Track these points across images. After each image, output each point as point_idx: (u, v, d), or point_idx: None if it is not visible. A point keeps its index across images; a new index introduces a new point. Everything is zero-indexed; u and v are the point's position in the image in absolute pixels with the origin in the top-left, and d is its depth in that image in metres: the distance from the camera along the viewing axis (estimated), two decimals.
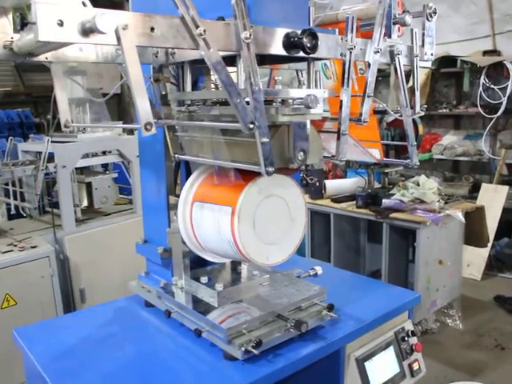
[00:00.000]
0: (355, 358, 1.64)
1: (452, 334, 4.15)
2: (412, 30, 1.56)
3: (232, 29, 1.17)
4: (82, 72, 3.72)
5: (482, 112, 5.67)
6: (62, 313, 3.08)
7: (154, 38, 1.07)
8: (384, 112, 3.72)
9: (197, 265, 1.77)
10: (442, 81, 6.54)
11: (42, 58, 1.41)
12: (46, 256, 3.02)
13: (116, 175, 4.05)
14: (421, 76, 5.70)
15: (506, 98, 5.44)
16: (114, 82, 6.83)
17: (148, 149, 1.86)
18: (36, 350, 1.58)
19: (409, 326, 1.85)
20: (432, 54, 1.65)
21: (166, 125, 1.62)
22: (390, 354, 1.76)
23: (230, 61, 1.25)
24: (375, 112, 1.98)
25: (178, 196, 1.62)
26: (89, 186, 3.80)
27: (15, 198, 3.53)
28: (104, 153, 3.74)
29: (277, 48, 1.27)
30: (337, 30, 1.54)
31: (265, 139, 1.22)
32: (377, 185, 4.42)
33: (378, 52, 1.47)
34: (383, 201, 3.99)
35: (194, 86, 1.65)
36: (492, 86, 5.53)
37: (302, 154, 1.38)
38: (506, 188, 5.50)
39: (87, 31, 0.98)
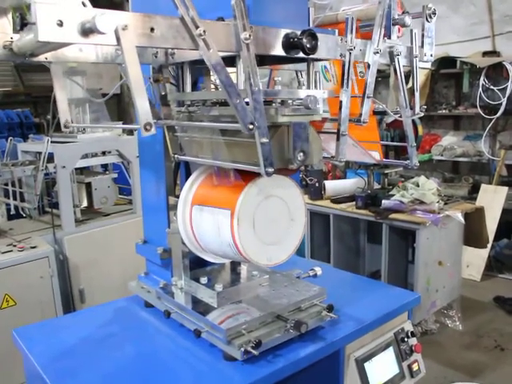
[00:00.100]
0: (355, 358, 1.64)
1: (452, 334, 4.15)
2: (411, 30, 1.56)
3: (232, 29, 1.17)
4: (82, 72, 3.71)
5: (481, 113, 5.66)
6: (61, 313, 3.08)
7: (154, 38, 1.07)
8: (383, 113, 3.70)
9: (196, 265, 1.77)
10: (441, 82, 6.54)
11: (41, 58, 1.41)
12: (46, 256, 3.02)
13: (116, 175, 4.05)
14: (420, 77, 5.70)
15: (505, 98, 5.43)
16: (114, 82, 6.84)
17: (148, 149, 1.86)
18: (36, 351, 1.58)
19: (408, 327, 1.85)
20: (431, 55, 1.65)
21: (166, 125, 1.62)
22: (389, 354, 1.76)
23: (230, 61, 1.25)
24: (375, 113, 1.98)
25: (178, 196, 1.62)
26: (88, 186, 3.80)
27: (15, 199, 3.53)
28: (104, 153, 3.74)
29: (276, 49, 1.27)
30: (336, 31, 1.53)
31: (264, 140, 1.22)
32: (376, 185, 4.42)
33: (377, 53, 1.47)
34: (383, 201, 3.99)
35: (194, 87, 1.65)
36: (491, 87, 5.53)
37: (301, 154, 1.38)
38: (505, 189, 5.50)
39: (87, 31, 0.98)
